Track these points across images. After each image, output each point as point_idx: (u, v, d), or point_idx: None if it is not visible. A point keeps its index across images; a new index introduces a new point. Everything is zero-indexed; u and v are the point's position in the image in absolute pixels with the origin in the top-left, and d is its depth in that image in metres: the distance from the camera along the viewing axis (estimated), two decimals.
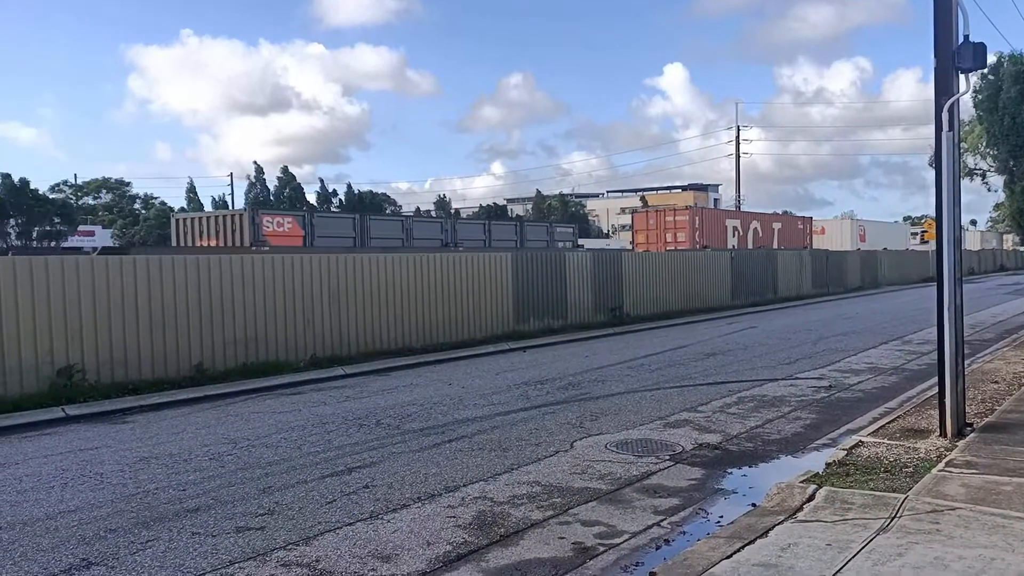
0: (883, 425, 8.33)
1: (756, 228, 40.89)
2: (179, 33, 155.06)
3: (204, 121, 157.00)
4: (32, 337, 10.65)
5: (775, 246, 40.25)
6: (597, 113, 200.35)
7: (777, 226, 43.39)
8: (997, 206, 68.64)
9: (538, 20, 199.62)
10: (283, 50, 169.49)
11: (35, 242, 49.72)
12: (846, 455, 7.12)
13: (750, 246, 38.60)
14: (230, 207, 61.69)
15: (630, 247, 38.17)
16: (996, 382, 10.57)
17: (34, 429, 9.45)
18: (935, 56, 7.53)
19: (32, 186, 51.24)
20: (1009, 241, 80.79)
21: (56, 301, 10.87)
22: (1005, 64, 32.52)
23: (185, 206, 61.67)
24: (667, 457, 7.56)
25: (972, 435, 7.56)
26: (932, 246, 60.22)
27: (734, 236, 38.64)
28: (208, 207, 60.73)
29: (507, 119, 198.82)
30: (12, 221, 50.33)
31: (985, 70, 30.69)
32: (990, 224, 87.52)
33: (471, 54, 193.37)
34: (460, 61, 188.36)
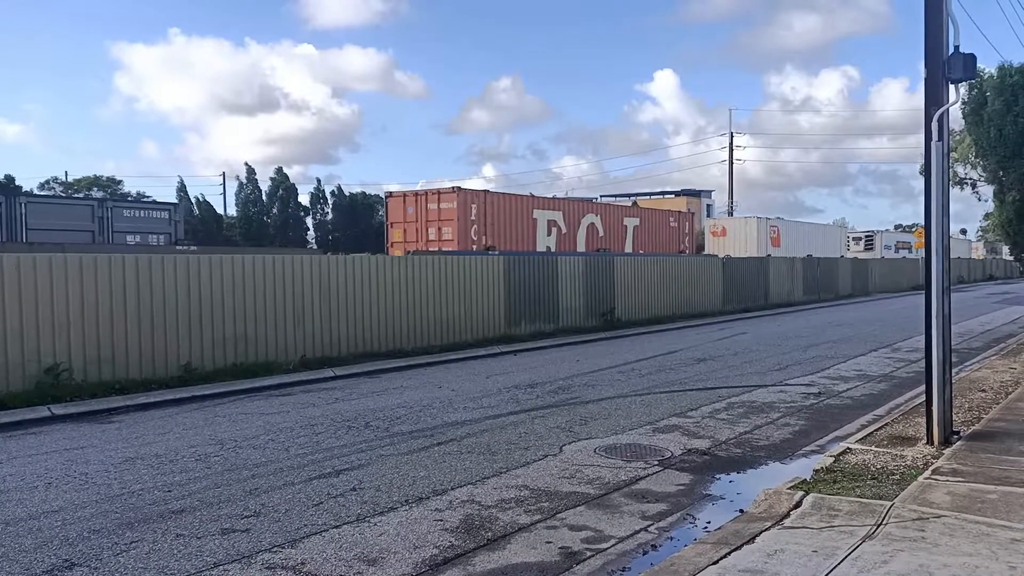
0: (871, 432, 8.36)
1: (593, 224, 30.37)
2: (165, 32, 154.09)
3: (191, 120, 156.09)
4: (19, 335, 10.57)
5: (628, 249, 31.18)
6: (587, 118, 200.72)
7: (632, 223, 32.72)
8: (987, 215, 69.06)
9: (524, 24, 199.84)
10: (271, 50, 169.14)
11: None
12: (834, 462, 7.14)
13: (581, 248, 29.19)
14: (222, 207, 61.47)
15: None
16: (983, 390, 10.63)
17: (19, 428, 9.38)
18: (925, 67, 7.58)
19: (18, 183, 50.90)
20: (980, 250, 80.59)
21: (43, 299, 10.81)
22: (994, 75, 32.76)
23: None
24: (656, 462, 7.56)
25: (959, 443, 7.60)
26: (878, 253, 56.06)
27: (550, 234, 28.30)
28: (194, 207, 60.34)
29: (497, 122, 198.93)
30: None
31: (972, 82, 30.91)
32: (980, 234, 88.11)
33: (460, 57, 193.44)
34: (449, 64, 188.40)
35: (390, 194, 27.60)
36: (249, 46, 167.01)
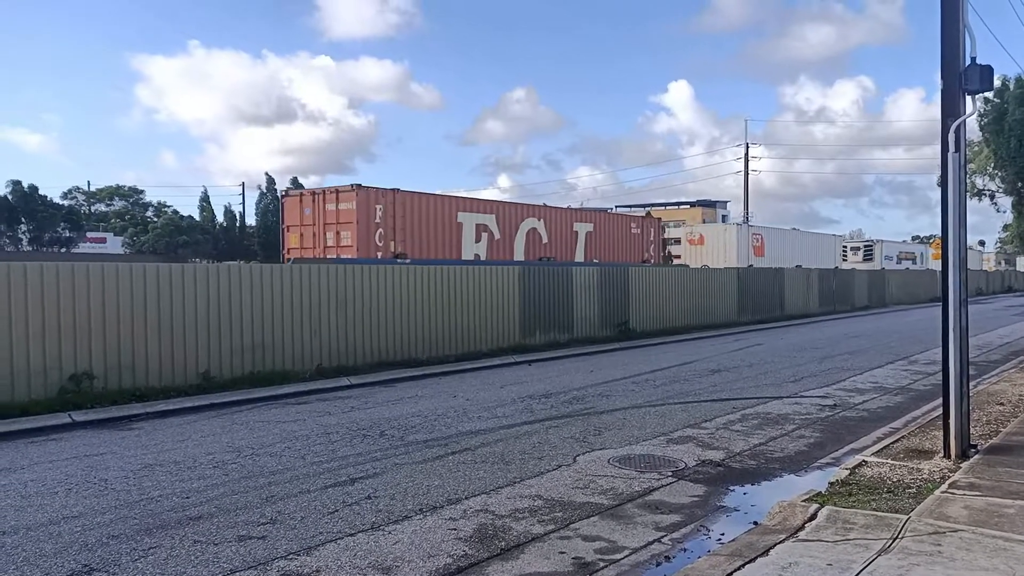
0: (887, 445, 8.31)
1: (535, 230, 26.39)
2: (185, 44, 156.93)
3: (210, 131, 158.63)
4: (41, 342, 10.73)
5: (578, 258, 27.62)
6: (602, 129, 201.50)
7: (584, 228, 28.46)
8: (1006, 227, 68.27)
9: (538, 36, 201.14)
10: (288, 62, 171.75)
11: (46, 248, 50.15)
12: (849, 474, 7.10)
13: (519, 257, 25.42)
14: (242, 217, 61.97)
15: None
16: (1001, 404, 10.53)
17: (41, 434, 9.51)
18: (942, 78, 7.57)
19: (41, 192, 51.69)
20: (992, 261, 78.59)
21: (66, 307, 10.96)
22: (1011, 87, 32.54)
23: (197, 215, 62.02)
24: (670, 473, 7.56)
25: (976, 457, 7.54)
26: (878, 264, 51.79)
27: (480, 240, 24.37)
28: (220, 216, 60.98)
29: (512, 133, 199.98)
30: (23, 227, 50.79)
31: (991, 93, 30.64)
32: (999, 245, 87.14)
33: (474, 68, 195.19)
34: (463, 75, 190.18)
35: (286, 193, 24.17)
36: (267, 58, 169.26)
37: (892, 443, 8.39)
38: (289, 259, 21.64)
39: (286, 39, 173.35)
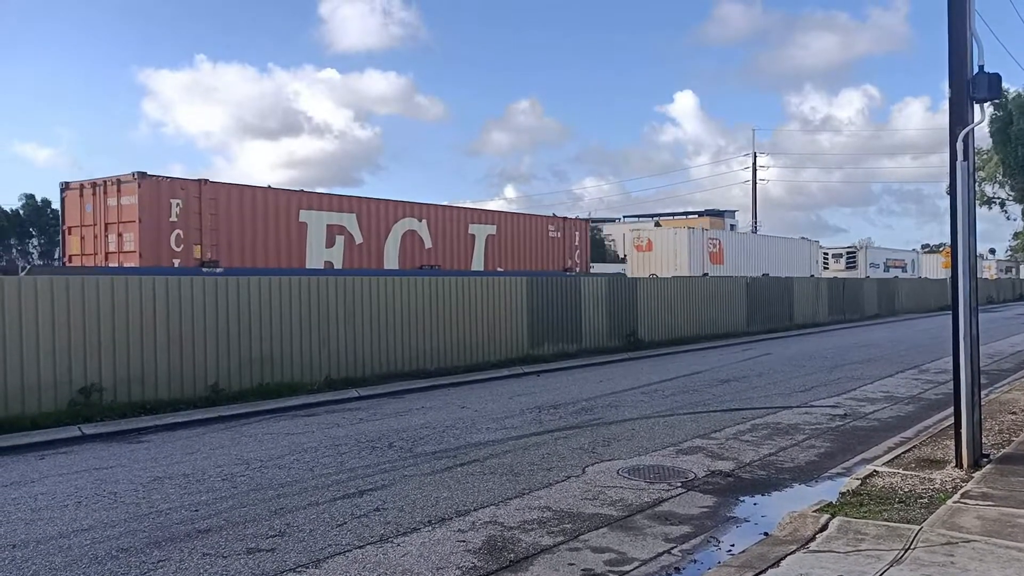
0: (898, 455, 8.24)
1: (414, 233, 22.23)
2: (191, 58, 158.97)
3: (217, 144, 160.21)
4: (51, 356, 10.78)
5: (476, 266, 23.72)
6: (607, 139, 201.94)
7: (484, 231, 24.18)
8: (1016, 235, 67.96)
9: (542, 47, 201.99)
10: (294, 76, 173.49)
11: (56, 262, 50.44)
12: (860, 485, 7.05)
13: (393, 265, 21.51)
14: None
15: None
16: (1014, 413, 10.44)
17: (51, 447, 9.54)
18: (950, 86, 7.56)
19: (53, 206, 52.09)
20: (992, 269, 77.60)
21: (76, 320, 11.02)
22: (1019, 95, 32.50)
23: None
24: (679, 484, 7.52)
25: (988, 466, 7.47)
26: (862, 272, 49.08)
27: (332, 244, 20.11)
28: None
29: (517, 144, 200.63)
30: (34, 240, 51.18)
31: (997, 101, 30.60)
32: (1009, 252, 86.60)
33: (478, 80, 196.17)
34: (467, 86, 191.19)
35: (67, 185, 18.74)
36: (273, 71, 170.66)
37: (903, 453, 8.33)
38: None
39: (292, 52, 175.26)
